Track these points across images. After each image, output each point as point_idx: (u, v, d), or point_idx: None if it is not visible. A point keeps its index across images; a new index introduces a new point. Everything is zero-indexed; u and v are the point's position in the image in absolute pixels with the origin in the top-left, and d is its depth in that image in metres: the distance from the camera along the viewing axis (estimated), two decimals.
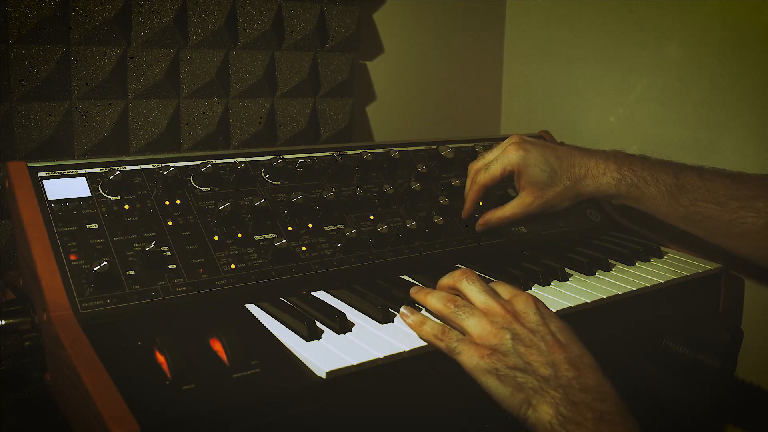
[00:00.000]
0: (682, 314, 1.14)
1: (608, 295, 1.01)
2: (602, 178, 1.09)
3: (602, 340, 1.02)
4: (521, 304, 0.82)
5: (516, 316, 0.80)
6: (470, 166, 1.16)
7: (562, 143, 1.14)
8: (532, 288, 1.02)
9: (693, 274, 1.13)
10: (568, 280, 1.06)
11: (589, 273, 1.09)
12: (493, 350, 0.77)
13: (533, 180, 1.10)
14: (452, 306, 0.83)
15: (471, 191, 1.14)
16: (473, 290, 0.84)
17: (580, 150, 1.13)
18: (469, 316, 0.81)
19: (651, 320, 1.10)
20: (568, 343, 0.78)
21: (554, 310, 0.94)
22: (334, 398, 0.75)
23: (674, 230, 1.33)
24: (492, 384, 0.77)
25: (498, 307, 0.81)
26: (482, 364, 0.77)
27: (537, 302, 0.83)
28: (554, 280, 1.05)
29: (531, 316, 0.80)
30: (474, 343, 0.79)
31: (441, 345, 0.80)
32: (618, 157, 1.11)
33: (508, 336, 0.78)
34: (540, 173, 1.09)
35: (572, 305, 0.96)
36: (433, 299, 0.86)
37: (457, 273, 0.88)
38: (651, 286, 1.06)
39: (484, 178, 1.13)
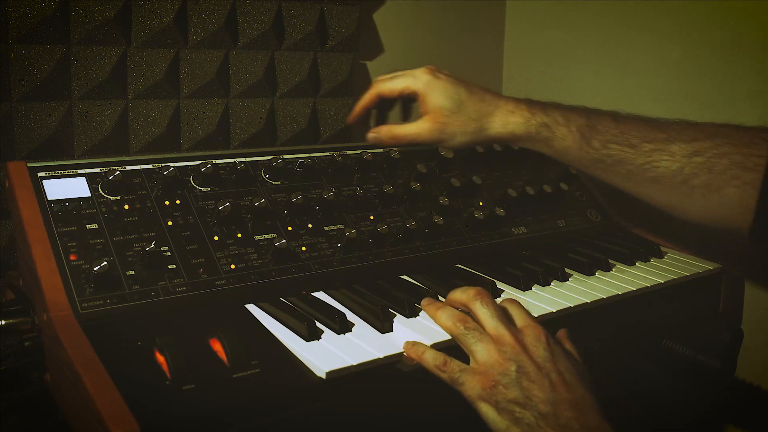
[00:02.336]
0: (682, 314, 1.14)
1: (608, 295, 1.01)
2: (511, 116, 1.05)
3: (602, 340, 1.02)
4: (532, 336, 0.81)
5: (525, 348, 0.79)
6: (376, 78, 1.12)
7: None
8: (532, 288, 1.02)
9: (693, 274, 1.13)
10: (568, 280, 1.06)
11: (589, 273, 1.09)
12: (496, 382, 0.76)
13: (437, 105, 1.05)
14: (462, 327, 0.82)
15: (364, 96, 1.10)
16: (486, 314, 0.83)
17: (492, 91, 1.10)
18: (478, 342, 0.80)
19: (651, 320, 1.10)
20: (573, 384, 0.77)
21: (554, 310, 0.94)
22: (333, 398, 0.75)
23: (674, 230, 1.34)
24: (490, 415, 0.76)
25: (508, 336, 0.80)
26: (483, 394, 0.77)
27: (548, 337, 0.81)
28: (554, 280, 1.05)
29: (540, 351, 0.79)
30: (477, 372, 0.78)
31: (444, 376, 0.79)
32: (530, 100, 1.07)
33: (513, 368, 0.77)
34: (446, 99, 1.05)
35: (572, 305, 0.96)
36: (444, 316, 0.85)
37: (471, 291, 0.86)
38: (651, 286, 1.06)
39: (383, 86, 1.08)
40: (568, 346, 0.84)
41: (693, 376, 1.09)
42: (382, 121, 1.18)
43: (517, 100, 1.06)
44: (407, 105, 1.18)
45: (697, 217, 0.97)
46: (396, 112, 1.21)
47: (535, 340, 0.80)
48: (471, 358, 0.80)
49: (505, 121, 1.05)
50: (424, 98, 1.06)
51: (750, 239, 0.90)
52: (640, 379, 1.14)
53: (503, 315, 0.83)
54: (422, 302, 0.90)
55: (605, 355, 1.02)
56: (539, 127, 1.03)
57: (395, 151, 1.18)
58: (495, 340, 0.80)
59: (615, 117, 1.02)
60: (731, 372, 1.14)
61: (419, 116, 1.11)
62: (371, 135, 1.10)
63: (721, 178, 0.90)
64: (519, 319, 0.84)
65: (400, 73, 1.10)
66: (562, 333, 0.86)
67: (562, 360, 0.79)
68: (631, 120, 1.01)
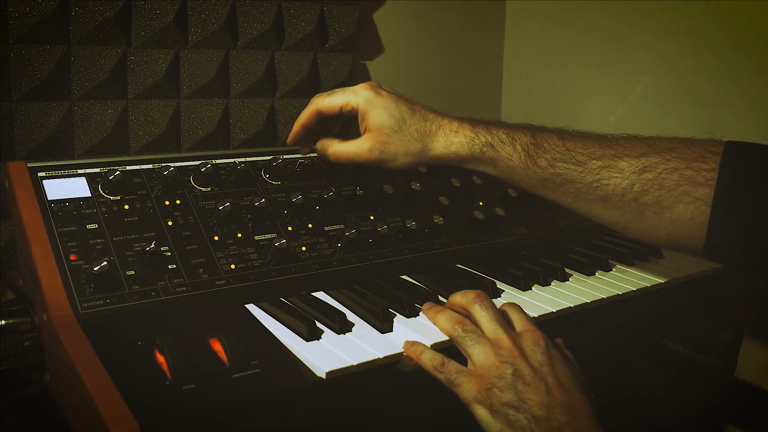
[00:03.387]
0: (682, 314, 1.14)
1: (608, 295, 1.01)
2: (454, 136, 1.00)
3: (602, 340, 1.02)
4: (530, 341, 0.81)
5: (522, 352, 0.79)
6: (315, 96, 1.07)
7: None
8: (532, 288, 1.02)
9: (693, 274, 1.13)
10: (568, 280, 1.06)
11: (589, 273, 1.09)
12: (492, 385, 0.76)
13: (378, 123, 1.00)
14: (460, 329, 0.82)
15: (303, 114, 1.05)
16: (485, 317, 0.83)
17: (437, 110, 1.04)
18: (476, 344, 0.80)
19: (651, 320, 1.10)
20: (570, 389, 0.77)
21: (554, 310, 0.94)
22: (333, 398, 0.75)
23: None
24: (484, 417, 0.76)
25: (506, 340, 0.80)
26: (478, 396, 0.77)
27: (547, 342, 0.81)
28: (554, 280, 1.05)
29: (538, 355, 0.79)
30: (474, 374, 0.78)
31: (441, 377, 0.79)
32: (473, 119, 1.03)
33: (509, 371, 0.77)
34: (387, 118, 1.00)
35: (572, 305, 0.96)
36: (443, 319, 0.85)
37: (471, 294, 0.86)
38: (651, 286, 1.06)
39: (322, 103, 1.03)
40: (567, 352, 0.84)
41: (693, 376, 1.09)
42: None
43: (461, 120, 1.02)
44: (349, 123, 1.11)
45: (651, 235, 0.93)
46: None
47: (534, 344, 0.80)
48: (468, 360, 0.81)
49: (448, 141, 1.00)
50: (364, 115, 1.01)
51: (705, 256, 0.89)
52: (640, 379, 1.14)
53: (502, 319, 0.83)
54: (423, 307, 0.90)
55: (605, 355, 1.02)
56: (483, 146, 0.99)
57: None
58: (493, 344, 0.80)
59: (561, 134, 0.98)
60: (731, 372, 1.14)
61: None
62: (318, 145, 1.06)
63: (672, 194, 0.87)
64: (518, 324, 0.84)
65: (340, 89, 1.05)
66: (559, 341, 0.86)
67: (560, 365, 0.79)
68: (577, 137, 0.97)
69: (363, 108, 1.01)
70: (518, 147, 0.97)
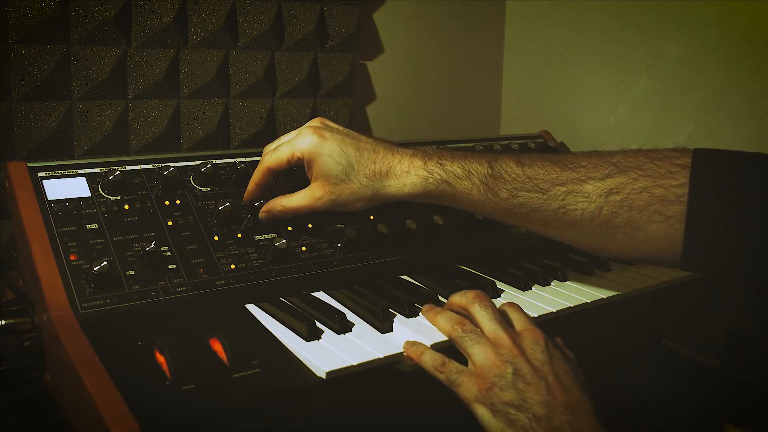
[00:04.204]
0: (682, 314, 1.14)
1: (608, 295, 1.01)
2: (406, 177, 0.94)
3: (602, 340, 1.02)
4: (530, 340, 0.81)
5: (522, 351, 0.79)
6: (265, 147, 1.03)
7: (368, 135, 1.00)
8: (532, 288, 1.02)
9: (693, 274, 1.13)
10: (568, 280, 1.06)
11: (590, 273, 1.09)
12: (492, 384, 0.77)
13: (325, 172, 0.95)
14: (460, 329, 0.82)
15: (256, 173, 1.01)
16: (484, 317, 0.83)
17: (386, 144, 0.98)
18: (475, 344, 0.80)
19: (651, 320, 1.10)
20: (570, 387, 0.77)
21: (554, 310, 0.94)
22: (334, 398, 0.75)
23: None
24: (485, 417, 0.76)
25: (506, 339, 0.80)
26: (479, 396, 0.77)
27: (547, 341, 0.81)
28: (554, 280, 1.05)
29: (538, 354, 0.79)
30: (474, 374, 0.78)
31: (441, 377, 0.79)
32: (426, 153, 0.96)
33: (509, 370, 0.77)
34: (333, 165, 0.95)
35: (572, 305, 0.96)
36: (442, 320, 0.85)
37: (470, 294, 0.86)
38: (651, 286, 1.06)
39: (270, 160, 0.99)
40: (567, 350, 0.84)
41: (693, 376, 1.09)
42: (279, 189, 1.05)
43: (412, 155, 0.95)
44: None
45: (625, 255, 0.90)
46: None
47: (534, 343, 0.80)
48: (468, 360, 0.81)
49: (401, 183, 0.94)
50: (310, 164, 0.96)
51: (683, 269, 0.87)
52: (640, 379, 1.14)
53: (502, 318, 0.83)
54: (423, 308, 0.90)
55: (605, 355, 1.02)
56: (439, 184, 0.93)
57: None
58: (492, 343, 0.80)
59: (519, 161, 0.92)
60: (731, 372, 1.14)
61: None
62: (262, 214, 1.00)
63: (644, 214, 0.83)
64: (518, 323, 0.84)
65: (285, 138, 1.01)
66: (559, 340, 0.86)
67: (561, 364, 0.79)
68: (537, 161, 0.91)
69: (308, 157, 0.96)
70: (476, 180, 0.92)
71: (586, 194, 0.87)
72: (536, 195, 0.89)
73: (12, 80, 1.05)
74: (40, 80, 1.07)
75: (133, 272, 0.86)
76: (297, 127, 1.36)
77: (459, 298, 0.87)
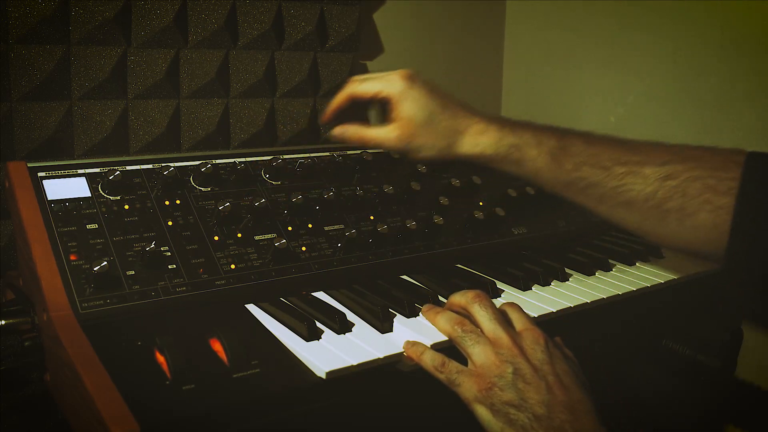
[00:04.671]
0: (682, 314, 1.14)
1: (608, 295, 1.01)
2: (481, 136, 1.01)
3: (602, 340, 1.02)
4: (530, 339, 0.81)
5: (522, 350, 0.79)
6: (353, 78, 1.08)
7: (452, 96, 1.07)
8: (532, 288, 1.02)
9: (693, 274, 1.13)
10: (568, 280, 1.06)
11: (589, 273, 1.09)
12: (492, 384, 0.77)
13: (408, 115, 1.01)
14: (460, 329, 0.82)
15: (337, 96, 1.06)
16: (484, 316, 0.83)
17: (467, 107, 1.05)
18: (475, 344, 0.80)
19: (651, 320, 1.10)
20: (570, 387, 0.77)
21: (554, 310, 0.94)
22: (334, 398, 0.75)
23: None
24: (485, 417, 0.76)
25: (506, 339, 0.80)
26: (479, 396, 0.77)
27: (547, 340, 0.81)
28: (554, 280, 1.05)
29: (538, 354, 0.79)
30: (474, 373, 0.78)
31: (441, 377, 0.79)
32: (501, 120, 1.03)
33: (509, 370, 0.77)
34: (417, 110, 1.00)
35: (572, 305, 0.96)
36: (442, 320, 0.85)
37: (470, 294, 0.86)
38: (651, 286, 1.06)
39: (356, 87, 1.04)
40: (566, 350, 0.84)
41: (693, 376, 1.09)
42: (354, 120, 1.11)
43: (489, 119, 1.02)
44: (382, 108, 1.11)
45: (671, 241, 0.94)
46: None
47: (534, 343, 0.80)
48: (468, 360, 0.81)
49: (475, 141, 1.01)
50: (396, 105, 1.02)
51: (725, 262, 0.90)
52: (640, 379, 1.15)
53: (502, 318, 0.83)
54: (423, 308, 0.90)
55: (605, 355, 1.02)
56: (509, 148, 0.99)
57: None
58: (492, 343, 0.80)
59: (587, 139, 0.98)
60: (731, 372, 1.14)
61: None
62: (338, 130, 1.05)
63: (695, 202, 0.87)
64: (518, 323, 0.84)
65: (375, 75, 1.05)
66: (558, 339, 0.86)
67: (561, 363, 0.79)
68: (603, 142, 0.97)
69: (396, 98, 1.01)
70: (544, 150, 0.98)
71: (644, 176, 0.91)
72: (598, 171, 0.94)
73: (12, 80, 1.05)
74: (40, 80, 1.07)
75: (133, 272, 0.86)
76: (297, 127, 1.37)
77: (459, 298, 0.88)
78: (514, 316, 0.85)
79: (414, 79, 1.03)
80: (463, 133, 1.01)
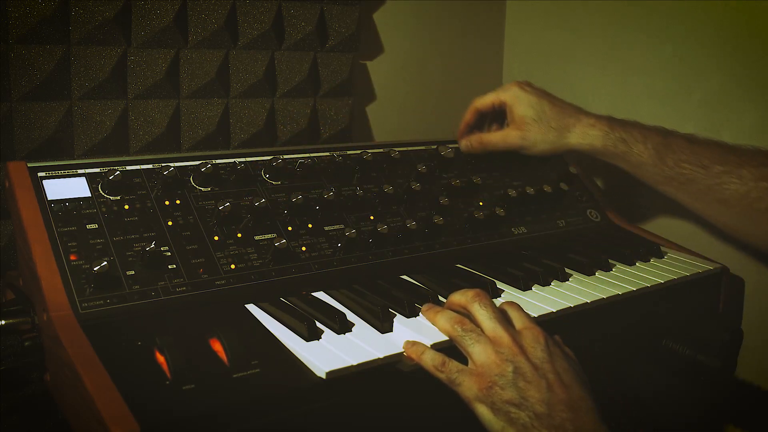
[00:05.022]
0: (682, 314, 1.14)
1: (608, 295, 1.01)
2: (590, 129, 1.13)
3: (602, 340, 1.02)
4: (530, 338, 0.81)
5: (523, 349, 0.79)
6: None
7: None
8: (532, 288, 1.02)
9: (693, 274, 1.13)
10: (568, 280, 1.06)
11: (589, 273, 1.09)
12: (493, 383, 0.77)
13: (521, 114, 1.16)
14: (460, 329, 0.82)
15: (465, 115, 1.25)
16: (484, 315, 0.83)
17: (576, 107, 1.19)
18: (475, 343, 0.80)
19: (651, 320, 1.10)
20: (571, 385, 0.77)
21: (554, 310, 0.94)
22: (334, 398, 0.75)
23: (674, 230, 1.33)
24: (486, 416, 0.77)
25: (506, 338, 0.80)
26: (480, 395, 0.77)
27: (547, 339, 0.82)
28: (554, 280, 1.05)
29: (538, 352, 0.79)
30: (474, 373, 0.79)
31: (441, 376, 0.79)
32: (610, 117, 1.15)
33: (510, 369, 0.77)
34: (529, 110, 1.16)
35: (572, 305, 0.96)
36: (442, 319, 0.85)
37: (470, 293, 0.86)
38: (651, 286, 1.06)
39: (478, 102, 1.23)
40: (566, 348, 0.84)
41: (693, 376, 1.09)
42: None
43: (599, 116, 1.15)
44: (499, 118, 1.30)
45: (761, 240, 1.01)
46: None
47: (534, 341, 0.80)
48: (469, 359, 0.81)
49: (585, 133, 1.13)
50: (510, 108, 1.17)
51: None
52: (640, 379, 1.15)
53: (502, 317, 0.83)
54: (422, 308, 0.90)
55: (605, 355, 1.02)
56: (617, 141, 1.10)
57: (395, 151, 1.18)
58: (492, 342, 0.80)
59: (690, 138, 1.08)
60: (731, 372, 1.14)
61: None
62: (463, 143, 1.23)
63: None
64: (518, 322, 0.84)
65: (493, 91, 1.24)
66: (558, 338, 0.86)
67: (561, 361, 0.79)
68: (705, 143, 1.07)
69: (510, 102, 1.18)
70: (649, 145, 1.08)
71: (740, 176, 1.00)
72: (697, 168, 1.04)
73: (12, 80, 1.05)
74: (40, 80, 1.07)
75: (133, 272, 0.86)
76: (297, 127, 1.37)
77: (459, 297, 0.88)
78: (514, 315, 0.85)
79: (525, 85, 1.19)
80: (572, 127, 1.14)
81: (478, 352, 0.80)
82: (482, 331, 0.82)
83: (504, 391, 0.76)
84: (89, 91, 1.13)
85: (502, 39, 1.74)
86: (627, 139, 1.10)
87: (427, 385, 0.80)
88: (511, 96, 1.18)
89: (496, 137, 1.21)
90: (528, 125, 1.16)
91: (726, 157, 1.03)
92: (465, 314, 0.85)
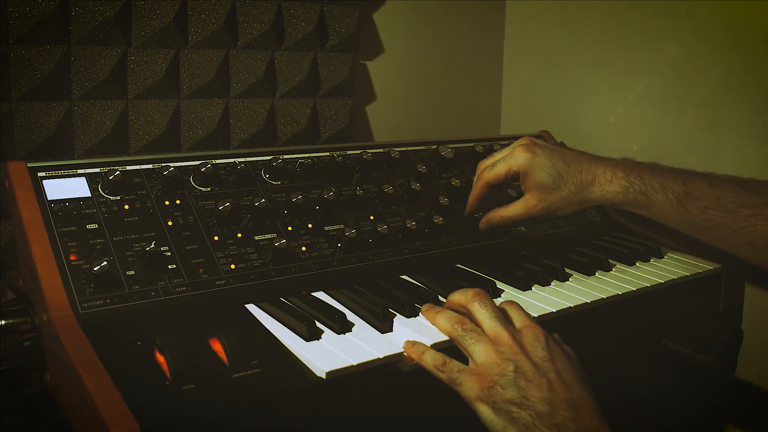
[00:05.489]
0: (682, 314, 1.14)
1: (608, 295, 1.01)
2: (609, 185, 1.08)
3: (602, 340, 1.02)
4: (530, 337, 0.81)
5: (523, 348, 0.79)
6: (479, 164, 1.18)
7: (570, 149, 1.16)
8: (532, 288, 1.02)
9: (693, 274, 1.13)
10: (568, 280, 1.06)
11: (589, 273, 1.09)
12: (494, 382, 0.77)
13: (538, 183, 1.10)
14: (460, 328, 0.82)
15: (475, 187, 1.16)
16: (484, 314, 0.83)
17: (589, 156, 1.13)
18: (476, 343, 0.80)
19: (651, 320, 1.10)
20: (572, 383, 0.77)
21: (554, 310, 0.94)
22: (334, 398, 0.75)
23: (674, 230, 1.33)
24: (487, 415, 0.77)
25: (506, 337, 0.80)
26: (481, 395, 0.77)
27: (547, 337, 0.82)
28: (554, 280, 1.05)
29: (539, 351, 0.79)
30: (475, 372, 0.79)
31: (442, 377, 0.79)
32: (627, 165, 1.10)
33: (511, 368, 0.77)
34: (546, 177, 1.09)
35: (572, 305, 0.96)
36: (442, 319, 0.85)
37: (470, 293, 0.86)
38: (651, 286, 1.06)
39: (488, 175, 1.13)
40: (566, 347, 0.84)
41: (693, 376, 1.09)
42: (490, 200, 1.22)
43: (614, 165, 1.09)
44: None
45: None
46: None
47: (534, 340, 0.80)
48: (469, 359, 0.81)
49: (604, 191, 1.09)
50: (525, 177, 1.11)
51: None
52: (640, 379, 1.14)
53: (502, 316, 0.83)
54: (422, 308, 0.90)
55: (605, 355, 1.02)
56: (637, 195, 1.07)
57: (395, 151, 1.18)
58: (493, 341, 0.80)
59: (711, 182, 1.05)
60: (731, 372, 1.14)
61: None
62: (483, 224, 1.16)
63: None
64: (518, 320, 0.84)
65: (498, 155, 1.15)
66: (557, 336, 0.86)
67: (561, 360, 0.79)
68: (726, 184, 1.04)
69: (524, 170, 1.11)
70: (670, 195, 1.05)
71: (766, 218, 0.99)
72: (722, 214, 1.02)
73: (12, 80, 1.05)
74: (40, 80, 1.07)
75: (133, 272, 0.86)
76: (297, 128, 1.37)
77: (458, 297, 0.88)
78: (514, 314, 0.85)
79: (534, 147, 1.12)
80: (591, 185, 1.09)
81: (479, 351, 0.80)
82: (482, 330, 0.82)
83: (505, 390, 0.76)
84: (89, 91, 1.13)
85: (502, 39, 1.74)
86: (646, 192, 1.07)
87: (427, 385, 0.80)
88: (523, 164, 1.11)
89: (517, 211, 1.13)
90: (548, 193, 1.10)
91: (749, 200, 1.01)
92: (465, 314, 0.85)
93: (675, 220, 1.07)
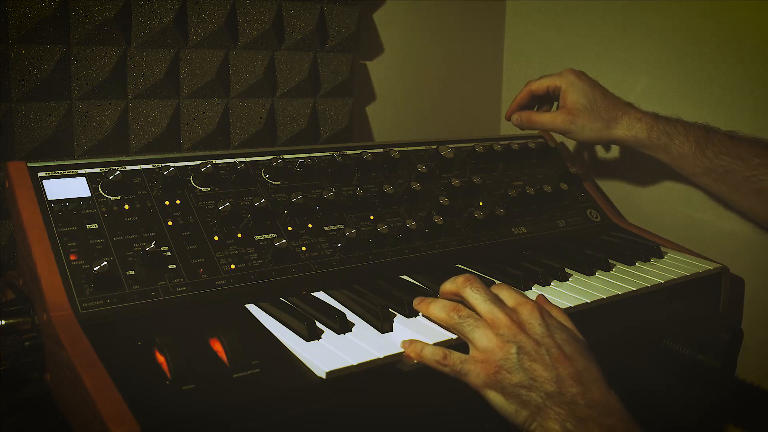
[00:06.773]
0: (682, 314, 1.14)
1: (608, 295, 1.01)
2: (636, 122, 1.20)
3: (602, 340, 1.02)
4: (527, 314, 0.81)
5: (521, 326, 0.79)
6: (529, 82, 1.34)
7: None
8: (532, 288, 1.02)
9: (693, 274, 1.13)
10: (568, 280, 1.06)
11: (589, 273, 1.09)
12: (499, 367, 0.77)
13: (573, 100, 1.23)
14: (456, 315, 0.82)
15: (519, 94, 1.33)
16: (477, 298, 0.83)
17: (626, 102, 1.26)
18: (475, 328, 0.80)
19: (651, 320, 1.10)
20: (573, 356, 0.77)
21: None
22: (334, 398, 0.75)
23: (674, 230, 1.33)
24: (498, 401, 0.77)
25: (504, 317, 0.80)
26: (488, 381, 0.77)
27: (542, 311, 0.82)
28: (554, 280, 1.05)
29: (537, 328, 0.80)
30: (479, 359, 0.78)
31: (446, 370, 0.79)
32: (656, 114, 1.22)
33: (513, 350, 0.77)
34: (582, 99, 1.22)
35: (572, 305, 0.96)
36: (436, 308, 0.85)
37: (460, 279, 0.86)
38: (651, 286, 1.06)
39: (533, 84, 1.30)
40: (554, 312, 0.85)
41: (693, 376, 1.09)
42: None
43: (644, 113, 1.22)
44: (548, 102, 1.37)
45: None
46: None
47: (530, 317, 0.81)
48: (471, 346, 0.81)
49: (631, 125, 1.21)
50: (564, 93, 1.24)
51: None
52: (640, 379, 1.14)
53: (495, 297, 0.83)
54: (414, 300, 0.90)
55: (605, 355, 1.02)
56: (661, 133, 1.17)
57: (395, 151, 1.18)
58: (491, 324, 0.80)
59: (731, 133, 1.14)
60: (731, 372, 1.14)
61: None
62: (514, 117, 1.32)
63: None
64: (510, 300, 0.84)
65: (548, 75, 1.30)
66: (542, 299, 0.88)
67: (559, 333, 0.80)
68: (745, 138, 1.13)
69: (564, 87, 1.25)
70: (691, 138, 1.16)
71: None
72: (736, 160, 1.11)
73: (12, 80, 1.05)
74: (40, 80, 1.07)
75: (133, 272, 0.86)
76: (297, 128, 1.37)
77: (449, 285, 0.88)
78: (505, 294, 0.85)
79: (581, 74, 1.27)
80: (620, 119, 1.22)
81: (479, 337, 0.80)
82: (478, 314, 0.82)
83: (512, 374, 0.76)
84: (89, 91, 1.13)
85: (502, 39, 1.74)
86: (670, 132, 1.17)
87: (427, 385, 0.80)
88: (566, 82, 1.25)
89: (545, 118, 1.28)
90: (579, 111, 1.22)
91: (764, 151, 1.09)
92: (460, 301, 0.85)
93: (692, 164, 1.15)
